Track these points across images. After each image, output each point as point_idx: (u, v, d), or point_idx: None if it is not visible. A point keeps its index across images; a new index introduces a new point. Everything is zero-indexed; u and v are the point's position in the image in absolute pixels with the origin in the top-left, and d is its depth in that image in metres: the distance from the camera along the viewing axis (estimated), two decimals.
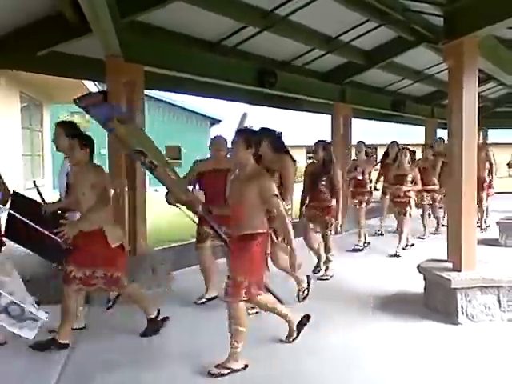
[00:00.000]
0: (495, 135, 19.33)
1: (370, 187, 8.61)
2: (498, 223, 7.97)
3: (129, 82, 5.67)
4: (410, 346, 4.01)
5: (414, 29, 7.55)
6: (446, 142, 8.09)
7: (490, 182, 9.69)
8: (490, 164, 9.65)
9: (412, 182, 7.58)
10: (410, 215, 7.56)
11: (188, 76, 6.98)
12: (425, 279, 4.93)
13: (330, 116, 10.39)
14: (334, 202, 6.01)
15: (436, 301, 4.72)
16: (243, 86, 8.06)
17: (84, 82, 10.62)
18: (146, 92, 6.42)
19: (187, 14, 5.89)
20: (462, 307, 4.40)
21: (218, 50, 7.02)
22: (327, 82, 9.50)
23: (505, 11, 4.36)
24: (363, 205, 8.24)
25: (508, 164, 33.75)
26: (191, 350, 3.95)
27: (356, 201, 8.30)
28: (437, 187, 8.94)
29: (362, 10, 6.81)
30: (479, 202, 8.47)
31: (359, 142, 8.85)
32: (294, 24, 7.00)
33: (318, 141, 6.34)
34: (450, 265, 4.79)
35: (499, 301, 4.46)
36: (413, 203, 7.60)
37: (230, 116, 53.36)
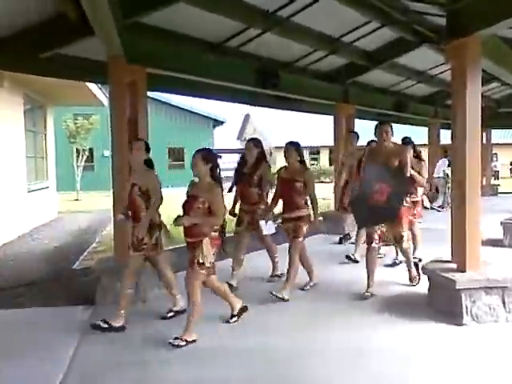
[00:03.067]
0: (499, 136, 19.31)
1: None
2: (502, 223, 7.94)
3: (131, 83, 5.68)
4: (415, 346, 3.99)
5: (417, 29, 7.54)
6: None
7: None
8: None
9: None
10: None
11: (190, 77, 6.99)
12: (429, 280, 4.92)
13: (332, 117, 10.38)
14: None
15: (440, 301, 4.70)
16: (246, 87, 8.06)
17: (87, 84, 10.65)
18: (149, 93, 6.42)
19: (189, 15, 5.90)
20: (466, 308, 4.38)
21: (220, 51, 7.02)
22: (330, 83, 9.50)
23: (507, 11, 4.35)
24: None
25: (511, 164, 33.69)
26: (198, 351, 3.95)
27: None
28: None
29: (365, 11, 6.80)
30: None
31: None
32: (297, 25, 7.00)
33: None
34: (454, 265, 4.77)
35: (504, 301, 4.43)
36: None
37: (232, 117, 53.45)
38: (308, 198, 5.40)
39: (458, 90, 4.81)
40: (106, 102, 12.78)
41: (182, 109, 28.57)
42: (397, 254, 6.64)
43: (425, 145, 16.15)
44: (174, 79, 7.17)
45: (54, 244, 9.03)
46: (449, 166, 13.65)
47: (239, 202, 5.95)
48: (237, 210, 5.97)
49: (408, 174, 5.31)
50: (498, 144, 20.66)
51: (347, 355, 3.84)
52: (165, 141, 26.06)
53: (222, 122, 30.74)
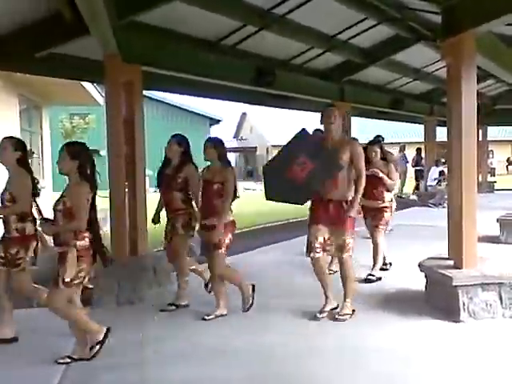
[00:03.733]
0: (495, 133, 19.37)
1: None
2: (498, 220, 7.96)
3: (127, 82, 5.67)
4: (412, 344, 3.99)
5: (412, 26, 7.56)
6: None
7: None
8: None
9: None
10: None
11: (186, 76, 6.99)
12: (426, 277, 4.92)
13: None
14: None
15: (437, 298, 4.71)
16: (242, 85, 8.07)
17: (83, 83, 10.61)
18: (145, 92, 6.42)
19: (185, 13, 5.89)
20: (463, 304, 4.38)
21: (216, 49, 7.02)
22: (326, 81, 9.51)
23: (502, 8, 4.36)
24: None
25: (507, 160, 33.83)
26: (196, 350, 3.95)
27: None
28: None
29: (360, 8, 6.81)
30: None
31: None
32: (292, 23, 7.00)
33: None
34: (450, 262, 4.78)
35: (501, 298, 4.44)
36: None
37: (229, 116, 53.19)
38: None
39: (453, 87, 4.81)
40: (101, 101, 12.73)
41: (179, 107, 28.56)
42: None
43: (421, 142, 16.23)
44: (170, 78, 7.17)
45: (50, 244, 8.98)
46: (440, 174, 13.76)
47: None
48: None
49: (363, 175, 4.44)
50: (493, 141, 20.69)
51: (345, 354, 3.84)
52: (161, 140, 25.97)
53: (219, 121, 30.73)
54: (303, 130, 4.56)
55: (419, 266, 4.94)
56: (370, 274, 5.75)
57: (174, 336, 4.26)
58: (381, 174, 5.81)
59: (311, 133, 5.00)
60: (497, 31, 5.95)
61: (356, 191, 4.46)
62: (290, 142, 4.51)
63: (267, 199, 4.59)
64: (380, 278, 5.76)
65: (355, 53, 8.76)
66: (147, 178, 6.68)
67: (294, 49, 8.08)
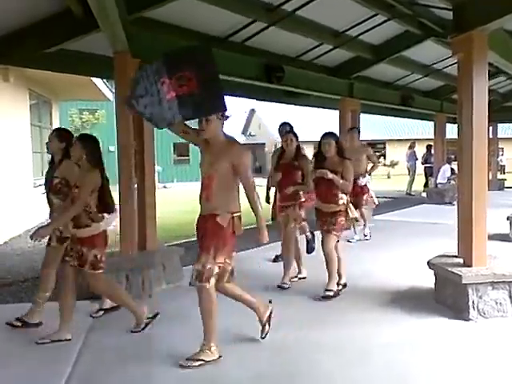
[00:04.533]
0: (505, 130, 19.20)
1: None
2: (508, 218, 7.92)
3: None
4: (421, 341, 3.98)
5: (423, 23, 7.50)
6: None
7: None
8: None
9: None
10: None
11: None
12: (435, 275, 4.91)
13: (338, 111, 10.35)
14: None
15: (447, 297, 4.69)
16: (251, 81, 8.04)
17: (92, 78, 10.65)
18: None
19: (194, 9, 5.89)
20: (473, 303, 4.36)
21: (225, 45, 7.01)
22: (335, 77, 9.47)
23: None
24: None
25: None
26: (196, 346, 3.95)
27: None
28: None
29: (370, 4, 6.77)
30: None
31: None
32: (302, 19, 6.98)
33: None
34: (460, 260, 4.76)
35: (510, 296, 4.42)
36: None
37: (237, 112, 53.29)
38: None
39: (464, 83, 4.78)
40: (111, 96, 12.79)
41: None
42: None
43: (431, 139, 16.13)
44: None
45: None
46: (452, 173, 13.72)
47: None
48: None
49: (251, 187, 3.63)
50: (504, 138, 20.53)
51: (353, 351, 3.84)
52: (170, 136, 26.06)
53: (227, 117, 30.63)
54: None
55: (428, 263, 4.92)
56: (327, 290, 5.09)
57: (183, 332, 4.28)
58: (330, 176, 4.99)
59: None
60: (508, 28, 5.89)
61: (253, 207, 3.64)
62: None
63: (128, 106, 3.64)
64: (339, 292, 5.16)
65: (365, 49, 8.71)
66: (156, 174, 6.69)
67: (303, 45, 8.06)
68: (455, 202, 11.71)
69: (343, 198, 5.16)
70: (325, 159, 5.17)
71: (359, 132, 8.50)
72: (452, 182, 13.13)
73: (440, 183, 14.04)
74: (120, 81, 5.67)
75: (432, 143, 16.30)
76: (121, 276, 5.14)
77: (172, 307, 4.89)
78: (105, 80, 11.95)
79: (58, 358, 3.74)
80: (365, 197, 8.06)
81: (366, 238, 8.32)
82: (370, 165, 8.38)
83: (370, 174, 8.26)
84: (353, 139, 8.19)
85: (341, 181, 5.04)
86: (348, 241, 7.81)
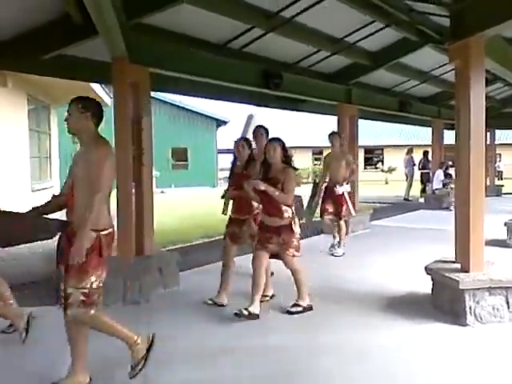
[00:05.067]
0: (503, 136, 19.26)
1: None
2: (505, 224, 7.93)
3: (135, 83, 5.69)
4: (418, 346, 3.99)
5: (420, 29, 7.54)
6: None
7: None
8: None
9: None
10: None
11: (194, 78, 7.00)
12: (432, 280, 4.91)
13: (336, 117, 10.38)
14: None
15: (444, 302, 4.69)
16: (249, 87, 8.07)
17: (91, 84, 10.66)
18: (152, 94, 6.44)
19: (193, 16, 5.91)
20: (470, 308, 4.37)
21: (223, 51, 7.03)
22: (333, 83, 9.50)
23: (511, 12, 4.34)
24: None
25: None
26: (202, 351, 3.95)
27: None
28: None
29: (368, 11, 6.80)
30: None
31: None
32: (300, 25, 7.00)
33: None
34: (457, 266, 4.77)
35: (508, 302, 4.43)
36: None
37: (236, 118, 53.10)
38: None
39: (461, 90, 4.80)
40: (109, 102, 12.80)
41: (186, 109, 28.59)
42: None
43: (429, 145, 16.17)
44: (178, 79, 7.19)
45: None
46: (445, 176, 13.78)
47: None
48: None
49: (96, 197, 3.08)
50: (501, 144, 20.58)
51: (351, 355, 3.84)
52: (168, 141, 26.10)
53: (226, 122, 30.75)
54: None
55: (426, 269, 4.93)
56: (296, 305, 4.82)
57: (180, 336, 4.27)
58: (262, 187, 4.42)
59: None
60: (504, 34, 5.93)
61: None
62: None
63: None
64: (310, 308, 4.84)
65: (363, 55, 8.75)
66: (154, 179, 6.70)
67: (301, 51, 8.08)
68: (452, 208, 11.76)
69: (288, 211, 4.61)
70: (270, 166, 4.69)
71: (340, 137, 8.09)
72: (449, 187, 13.14)
73: (436, 189, 14.08)
74: (118, 86, 5.69)
75: (429, 149, 16.35)
76: (118, 280, 5.14)
77: (169, 312, 4.88)
78: (103, 85, 11.95)
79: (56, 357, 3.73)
80: (344, 207, 7.59)
81: (338, 254, 7.48)
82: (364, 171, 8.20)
83: (348, 183, 7.77)
84: (334, 144, 7.83)
85: (277, 192, 4.45)
86: (332, 254, 7.52)
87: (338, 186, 7.53)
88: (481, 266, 4.64)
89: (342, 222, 7.64)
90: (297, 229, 4.69)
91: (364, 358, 3.78)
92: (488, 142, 15.95)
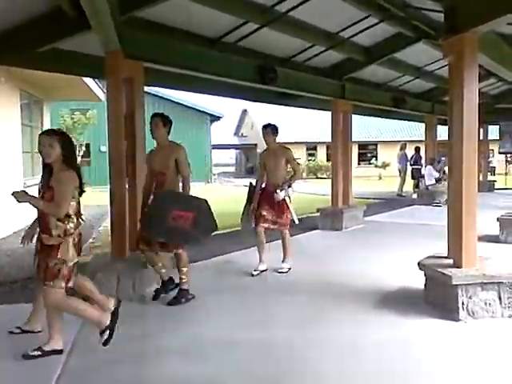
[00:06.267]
0: (496, 132, 19.32)
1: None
2: (498, 219, 7.98)
3: (128, 78, 5.66)
4: (411, 342, 4.00)
5: (414, 25, 7.54)
6: None
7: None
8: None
9: None
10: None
11: (188, 72, 6.97)
12: (425, 276, 4.93)
13: (330, 112, 10.38)
14: None
15: (437, 297, 4.71)
16: (243, 82, 8.05)
17: (84, 78, 10.61)
18: (146, 88, 6.41)
19: (187, 10, 5.89)
20: (462, 303, 4.39)
21: (218, 46, 7.01)
22: (327, 78, 9.49)
23: (505, 7, 4.35)
24: None
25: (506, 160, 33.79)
26: (196, 346, 3.96)
27: None
28: None
29: (363, 6, 6.80)
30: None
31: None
32: (294, 20, 6.99)
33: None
34: (450, 261, 4.79)
35: (500, 297, 4.45)
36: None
37: (230, 113, 53.11)
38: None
39: (454, 85, 4.81)
40: (103, 96, 12.74)
41: (180, 104, 28.53)
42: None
43: (422, 141, 16.21)
44: (172, 74, 7.16)
45: None
46: (436, 170, 13.87)
47: None
48: None
49: None
50: (494, 140, 20.65)
51: (345, 351, 3.85)
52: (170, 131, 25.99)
53: (220, 118, 30.72)
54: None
55: (419, 264, 4.94)
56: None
57: (174, 331, 4.27)
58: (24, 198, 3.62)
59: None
60: (498, 30, 5.94)
61: None
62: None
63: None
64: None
65: (357, 51, 8.75)
66: None
67: (295, 46, 8.07)
68: (442, 204, 11.80)
69: (59, 228, 3.58)
70: (52, 170, 3.73)
71: (277, 130, 6.34)
72: (444, 182, 13.20)
73: (429, 185, 14.14)
74: (111, 81, 5.65)
75: (420, 145, 16.38)
76: (112, 275, 5.13)
77: (163, 307, 4.88)
78: (96, 80, 11.89)
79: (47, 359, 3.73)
80: (285, 215, 6.16)
81: (283, 270, 6.18)
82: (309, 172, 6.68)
83: (290, 185, 6.15)
84: (267, 139, 6.33)
85: (41, 202, 3.60)
86: (252, 275, 6.05)
87: (278, 191, 6.05)
88: (473, 261, 4.67)
89: (286, 232, 6.27)
90: (63, 255, 3.57)
91: (357, 353, 3.79)
92: (481, 138, 16.02)
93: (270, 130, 6.29)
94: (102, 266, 5.35)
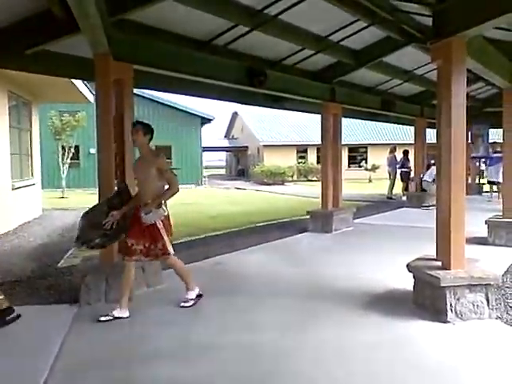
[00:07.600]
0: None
1: None
2: (486, 222, 8.04)
3: (118, 80, 5.64)
4: (400, 343, 4.02)
5: (403, 29, 7.58)
6: None
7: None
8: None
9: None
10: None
11: (177, 75, 6.96)
12: (414, 277, 4.96)
13: (319, 115, 10.41)
14: None
15: (425, 299, 4.74)
16: (233, 85, 8.05)
17: (73, 80, 10.56)
18: (136, 91, 6.39)
19: (177, 12, 5.88)
20: (450, 305, 4.42)
21: (207, 49, 7.01)
22: (317, 82, 9.52)
23: (492, 11, 4.39)
24: None
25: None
26: (185, 348, 3.94)
27: None
28: None
29: (352, 10, 6.82)
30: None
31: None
32: (284, 23, 7.01)
33: None
34: (438, 263, 4.82)
35: (487, 299, 4.49)
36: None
37: (220, 115, 53.12)
38: None
39: (442, 89, 4.85)
40: (92, 99, 12.68)
41: (170, 106, 28.47)
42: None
43: (411, 144, 16.30)
44: (161, 77, 7.14)
45: (38, 242, 8.96)
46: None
47: None
48: None
49: None
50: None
51: (333, 353, 3.86)
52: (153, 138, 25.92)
53: (210, 120, 30.68)
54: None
55: (407, 266, 4.97)
56: None
57: (161, 334, 4.26)
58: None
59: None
60: (486, 34, 6.00)
61: None
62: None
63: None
64: None
65: (346, 54, 8.78)
66: None
67: (285, 49, 8.09)
68: (430, 206, 11.84)
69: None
70: None
71: (150, 130, 4.90)
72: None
73: (425, 180, 14.19)
74: (101, 83, 5.63)
75: (409, 148, 16.43)
76: (101, 278, 5.10)
77: (152, 310, 4.86)
78: (85, 82, 11.84)
79: (37, 357, 3.69)
80: (161, 244, 4.76)
81: (187, 305, 4.98)
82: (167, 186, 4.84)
83: (163, 203, 4.82)
84: (135, 139, 4.85)
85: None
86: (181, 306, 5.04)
87: (143, 214, 4.70)
88: (461, 263, 4.70)
89: (172, 259, 4.94)
90: None
91: (345, 356, 3.80)
92: (469, 141, 16.13)
93: (141, 127, 4.82)
94: (91, 269, 5.32)
